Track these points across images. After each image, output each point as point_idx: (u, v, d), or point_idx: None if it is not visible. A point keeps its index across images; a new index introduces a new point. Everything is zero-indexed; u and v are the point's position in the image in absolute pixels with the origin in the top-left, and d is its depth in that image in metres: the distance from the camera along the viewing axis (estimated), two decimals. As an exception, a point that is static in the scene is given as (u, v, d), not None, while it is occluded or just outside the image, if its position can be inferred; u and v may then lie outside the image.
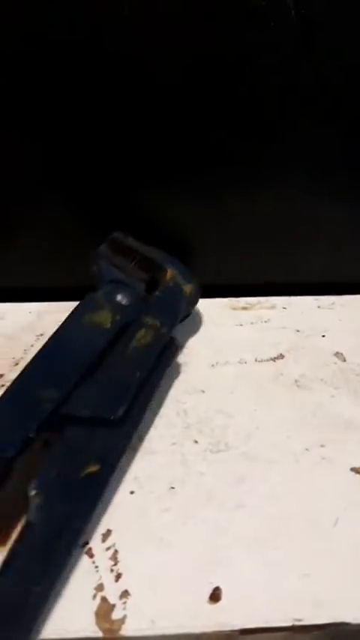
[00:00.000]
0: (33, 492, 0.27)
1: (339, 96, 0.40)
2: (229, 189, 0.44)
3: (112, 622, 0.25)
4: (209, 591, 0.27)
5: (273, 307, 0.46)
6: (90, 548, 0.28)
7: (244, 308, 0.46)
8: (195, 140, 0.42)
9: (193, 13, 0.37)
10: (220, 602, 0.26)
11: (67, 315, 0.44)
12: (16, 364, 0.40)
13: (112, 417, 0.30)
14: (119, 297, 0.38)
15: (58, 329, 0.35)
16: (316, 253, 0.48)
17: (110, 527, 0.29)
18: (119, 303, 0.37)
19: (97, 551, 0.28)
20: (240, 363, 0.40)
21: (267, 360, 0.41)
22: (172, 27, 0.37)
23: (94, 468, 0.29)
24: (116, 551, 0.28)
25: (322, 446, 0.34)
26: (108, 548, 0.28)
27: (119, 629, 0.25)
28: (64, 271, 0.47)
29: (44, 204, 0.44)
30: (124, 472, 0.32)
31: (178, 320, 0.39)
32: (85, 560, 0.28)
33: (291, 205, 0.45)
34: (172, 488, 0.31)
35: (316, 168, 0.44)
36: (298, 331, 0.44)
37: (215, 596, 0.26)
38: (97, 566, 0.28)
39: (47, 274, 0.47)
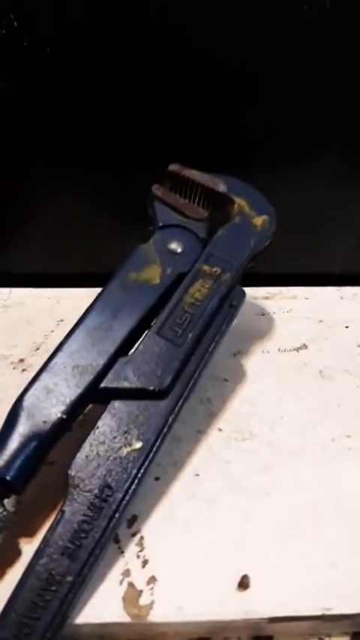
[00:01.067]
0: (72, 472, 0.26)
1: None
2: (254, 175, 0.43)
3: (140, 608, 0.25)
4: (237, 579, 0.26)
5: (294, 297, 0.46)
6: (116, 534, 0.28)
7: (266, 298, 0.46)
8: (223, 122, 0.41)
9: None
10: (249, 590, 0.26)
11: (86, 301, 0.44)
12: (37, 349, 0.40)
13: (157, 388, 0.28)
14: (172, 245, 0.33)
15: (100, 292, 0.32)
16: (339, 244, 0.47)
17: (136, 513, 0.29)
18: (172, 252, 0.33)
19: (123, 537, 0.28)
20: (263, 352, 0.40)
21: (290, 350, 0.40)
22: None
23: (137, 446, 0.27)
24: (142, 537, 0.28)
25: (348, 436, 0.34)
26: (134, 534, 0.28)
27: (147, 614, 0.25)
28: (82, 257, 0.47)
29: (61, 192, 0.44)
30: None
31: (246, 261, 0.34)
32: (111, 546, 0.27)
33: (316, 195, 0.44)
34: (197, 475, 0.31)
35: (342, 156, 0.43)
36: (320, 322, 0.43)
37: (244, 584, 0.26)
38: (122, 552, 0.27)
39: (65, 260, 0.47)
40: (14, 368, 0.38)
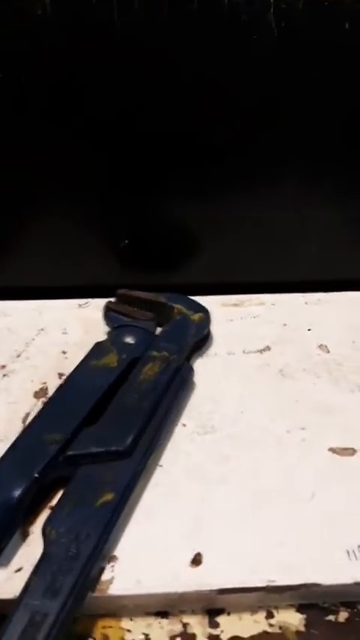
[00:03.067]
0: (48, 528, 0.28)
1: (326, 99, 0.43)
2: (223, 189, 0.46)
3: (102, 582, 0.28)
4: (191, 557, 0.29)
5: (262, 304, 0.48)
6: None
7: (235, 305, 0.48)
8: (190, 141, 0.44)
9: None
10: (201, 566, 0.28)
11: (66, 312, 0.47)
12: (18, 356, 0.42)
13: (120, 448, 0.31)
14: (125, 338, 0.40)
15: (66, 377, 0.37)
16: (305, 253, 0.50)
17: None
18: (125, 343, 0.39)
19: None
20: (228, 354, 0.43)
21: (254, 352, 0.43)
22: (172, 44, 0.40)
23: (108, 497, 0.29)
24: (107, 522, 0.30)
25: (302, 429, 0.36)
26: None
27: (107, 588, 0.27)
28: (66, 271, 0.50)
29: (45, 209, 0.47)
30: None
31: (189, 346, 0.41)
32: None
33: (282, 206, 0.47)
34: (160, 466, 0.34)
35: (308, 169, 0.46)
36: (285, 325, 0.46)
37: (196, 560, 0.29)
38: (88, 535, 0.30)
39: (50, 274, 0.50)
40: (-4, 374, 0.41)
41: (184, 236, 0.50)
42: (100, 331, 0.44)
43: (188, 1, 0.39)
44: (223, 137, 0.45)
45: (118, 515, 0.29)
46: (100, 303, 0.48)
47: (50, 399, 0.35)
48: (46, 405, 0.35)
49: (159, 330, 0.43)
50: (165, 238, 0.49)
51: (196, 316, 0.43)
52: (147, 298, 0.44)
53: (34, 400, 0.38)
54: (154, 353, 0.38)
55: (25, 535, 0.30)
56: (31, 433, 0.32)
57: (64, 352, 0.43)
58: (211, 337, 0.44)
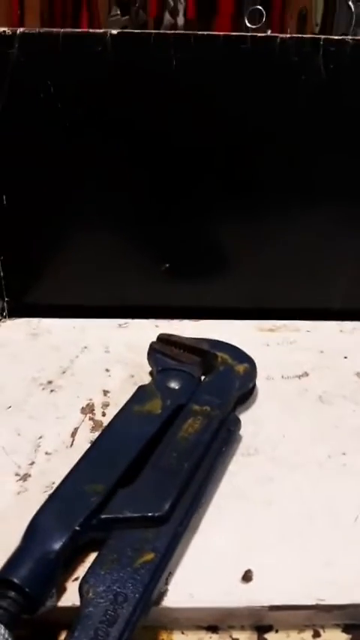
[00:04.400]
0: (85, 586, 0.27)
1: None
2: (262, 216, 0.48)
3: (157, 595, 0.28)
4: (241, 573, 0.30)
5: (297, 330, 0.50)
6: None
7: (271, 330, 0.50)
8: (233, 171, 0.46)
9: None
10: (252, 583, 0.29)
11: (107, 330, 0.49)
12: (64, 372, 0.44)
13: (157, 514, 0.30)
14: (170, 383, 0.38)
15: (109, 422, 0.36)
16: (341, 281, 0.51)
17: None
18: (170, 388, 0.38)
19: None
20: (267, 379, 0.44)
21: (292, 377, 0.44)
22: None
23: (148, 557, 0.28)
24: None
25: (343, 454, 0.37)
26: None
27: (161, 600, 0.28)
28: (106, 291, 0.51)
29: (88, 230, 0.49)
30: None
31: (233, 399, 0.39)
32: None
33: (319, 233, 0.49)
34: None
35: (345, 197, 0.48)
36: (321, 352, 0.47)
37: (247, 577, 0.29)
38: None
39: (89, 293, 0.51)
40: (43, 389, 0.42)
41: (222, 261, 0.51)
42: (140, 350, 0.46)
43: (241, 41, 0.41)
44: (266, 169, 0.47)
45: (158, 578, 0.28)
46: (138, 323, 0.50)
47: (93, 445, 0.34)
48: (88, 452, 0.33)
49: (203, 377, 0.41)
50: (204, 263, 0.51)
51: (241, 367, 0.41)
52: (189, 345, 0.43)
53: (82, 416, 0.40)
54: (196, 407, 0.36)
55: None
56: (72, 485, 0.31)
57: (107, 370, 0.44)
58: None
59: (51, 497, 0.31)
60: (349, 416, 0.41)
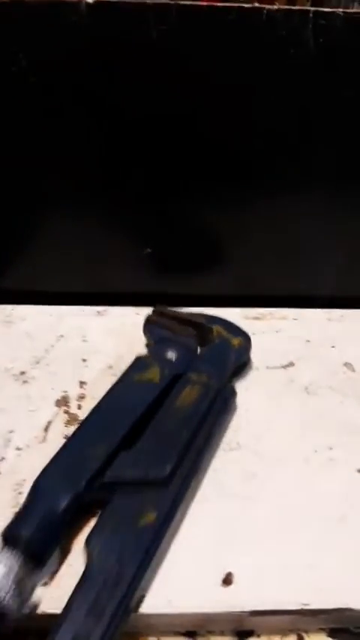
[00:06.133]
0: (90, 545, 0.27)
1: (356, 116, 0.43)
2: (248, 200, 0.46)
3: (130, 600, 0.27)
4: (222, 576, 0.28)
5: (284, 318, 0.48)
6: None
7: (257, 318, 0.48)
8: (218, 151, 0.44)
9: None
10: (232, 586, 0.28)
11: (85, 318, 0.47)
12: (37, 362, 0.42)
13: (158, 477, 0.30)
14: (167, 353, 0.39)
15: (109, 389, 0.36)
16: (329, 268, 0.50)
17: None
18: (167, 359, 0.38)
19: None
20: (252, 369, 0.42)
21: (278, 367, 0.42)
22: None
23: (151, 517, 0.29)
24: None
25: (330, 448, 0.36)
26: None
27: (139, 606, 0.27)
28: (82, 277, 0.49)
29: (63, 213, 0.47)
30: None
31: (229, 370, 0.40)
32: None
33: (307, 219, 0.47)
34: (187, 481, 0.33)
35: (334, 184, 0.46)
36: (308, 341, 0.45)
37: (228, 580, 0.28)
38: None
39: (66, 279, 0.49)
40: (15, 380, 0.40)
41: (207, 246, 0.49)
42: (120, 340, 0.44)
43: (227, 12, 0.39)
44: (252, 149, 0.44)
45: (160, 539, 0.28)
46: (118, 311, 0.48)
47: (93, 411, 0.34)
48: (89, 416, 0.34)
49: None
50: (188, 248, 0.49)
51: (236, 340, 0.42)
52: (185, 318, 0.43)
53: (56, 408, 0.38)
54: (194, 376, 0.37)
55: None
56: (74, 447, 0.31)
57: (84, 360, 0.42)
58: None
59: (54, 458, 0.31)
60: (335, 408, 0.39)
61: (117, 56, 0.40)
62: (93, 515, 0.30)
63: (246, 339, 0.42)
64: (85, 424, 0.33)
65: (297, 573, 0.28)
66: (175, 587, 0.27)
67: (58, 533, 0.28)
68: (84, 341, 0.44)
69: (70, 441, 0.32)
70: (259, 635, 0.28)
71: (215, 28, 0.39)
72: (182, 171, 0.45)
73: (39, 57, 0.40)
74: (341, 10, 0.39)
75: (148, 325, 0.43)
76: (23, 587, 0.26)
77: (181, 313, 0.44)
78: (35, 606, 0.26)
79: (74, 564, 0.28)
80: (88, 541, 0.27)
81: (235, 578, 0.28)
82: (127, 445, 0.32)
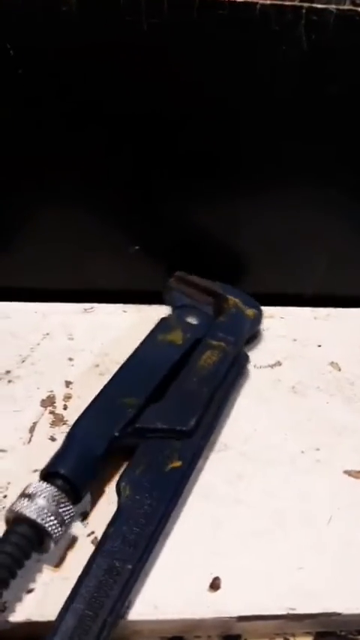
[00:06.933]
0: (122, 485, 0.30)
1: (344, 113, 0.43)
2: (233, 198, 0.46)
3: (117, 606, 0.27)
4: (209, 581, 0.28)
5: (271, 317, 0.48)
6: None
7: (244, 316, 0.48)
8: (203, 148, 0.43)
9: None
10: (219, 591, 0.28)
11: (72, 316, 0.46)
12: (23, 361, 0.41)
13: (184, 428, 0.33)
14: (189, 318, 0.42)
15: (137, 347, 0.39)
16: (315, 266, 0.50)
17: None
18: (189, 323, 0.41)
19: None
20: (239, 368, 0.42)
21: (265, 367, 0.42)
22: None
23: (177, 464, 0.31)
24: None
25: (317, 449, 0.36)
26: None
27: (124, 613, 0.26)
28: (71, 274, 0.48)
29: (50, 208, 0.46)
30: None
31: (244, 339, 0.43)
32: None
33: (293, 220, 0.47)
34: (174, 483, 0.33)
35: (319, 182, 0.46)
36: (295, 340, 0.45)
37: (215, 585, 0.28)
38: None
39: (52, 276, 0.48)
40: (0, 379, 0.39)
41: (193, 244, 0.49)
42: (107, 338, 0.43)
43: (219, 6, 0.38)
44: (239, 146, 0.44)
45: (184, 484, 0.31)
46: (105, 308, 0.47)
47: (122, 366, 0.37)
48: (119, 371, 0.36)
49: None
50: (174, 246, 0.49)
51: (250, 312, 0.44)
52: (203, 285, 0.46)
53: (41, 409, 0.37)
54: (213, 342, 0.39)
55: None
56: (107, 397, 0.34)
57: (70, 359, 0.42)
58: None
59: (89, 407, 0.33)
60: (322, 408, 0.39)
61: (107, 48, 0.39)
62: (122, 463, 0.32)
63: (259, 311, 0.45)
64: (115, 378, 0.36)
65: (284, 577, 0.28)
66: (161, 592, 0.27)
67: (93, 472, 0.30)
68: (70, 339, 0.44)
69: (103, 393, 0.34)
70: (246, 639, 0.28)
71: (207, 22, 0.38)
72: (169, 168, 0.44)
73: (27, 48, 0.39)
74: (334, 6, 0.39)
75: (171, 291, 0.46)
76: (62, 516, 0.27)
77: (200, 281, 0.46)
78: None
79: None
80: (120, 481, 0.30)
81: (223, 583, 0.28)
82: (155, 399, 0.35)
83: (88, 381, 0.39)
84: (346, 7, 0.39)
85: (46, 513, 0.26)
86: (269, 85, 0.41)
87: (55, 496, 0.27)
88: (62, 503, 0.27)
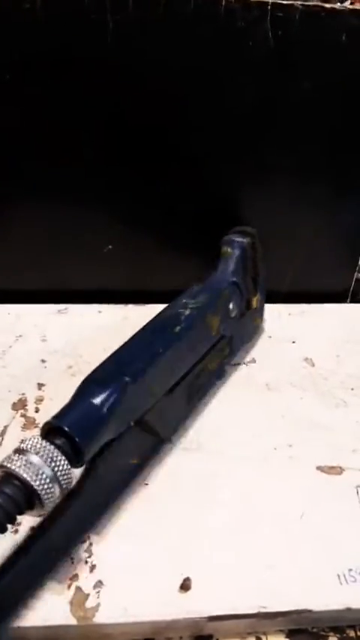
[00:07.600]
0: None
1: (316, 108, 0.42)
2: (207, 195, 0.46)
3: (86, 610, 0.26)
4: (180, 581, 0.28)
5: (246, 314, 0.48)
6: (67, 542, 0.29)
7: (219, 314, 0.48)
8: (178, 145, 0.43)
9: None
10: (190, 592, 0.28)
11: (46, 318, 0.45)
12: (-5, 364, 0.41)
13: (164, 438, 0.35)
14: (231, 306, 0.39)
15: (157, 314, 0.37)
16: (290, 263, 0.50)
17: (85, 521, 0.30)
18: (228, 313, 0.39)
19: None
20: (214, 366, 0.42)
21: (240, 364, 0.42)
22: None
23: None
24: (91, 544, 0.29)
25: (289, 446, 0.36)
26: (83, 541, 0.29)
27: (93, 616, 0.26)
28: (44, 274, 0.48)
29: (23, 209, 0.45)
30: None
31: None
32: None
33: (268, 217, 0.47)
34: (146, 484, 0.33)
35: (295, 177, 0.46)
36: (269, 337, 0.45)
37: (185, 585, 0.28)
38: (72, 558, 0.29)
39: (27, 277, 0.48)
40: (-28, 382, 0.39)
41: (166, 242, 0.49)
42: (81, 339, 0.43)
43: (184, 3, 0.38)
44: (210, 142, 0.44)
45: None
46: (79, 309, 0.47)
47: (153, 320, 0.36)
48: (136, 334, 0.34)
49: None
50: (148, 245, 0.48)
51: (258, 320, 0.45)
52: (259, 270, 0.43)
53: (12, 412, 0.37)
54: (223, 346, 0.39)
55: None
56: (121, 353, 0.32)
57: (43, 361, 0.41)
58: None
59: (99, 367, 0.31)
60: (295, 404, 0.39)
61: (71, 47, 0.39)
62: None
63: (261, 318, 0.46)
64: (139, 334, 0.34)
65: (255, 575, 0.28)
66: (131, 594, 0.27)
67: (98, 432, 0.28)
68: (43, 341, 0.43)
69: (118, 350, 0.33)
70: (218, 639, 0.28)
71: (173, 19, 0.38)
72: (143, 166, 0.44)
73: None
74: (299, 2, 0.39)
75: (238, 250, 0.41)
76: (60, 477, 0.25)
77: (259, 264, 0.43)
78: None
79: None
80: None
81: (193, 583, 0.28)
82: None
83: (61, 382, 0.38)
84: (311, 2, 0.39)
85: (42, 476, 0.25)
86: (238, 81, 0.41)
87: (52, 459, 0.25)
88: (59, 467, 0.25)
